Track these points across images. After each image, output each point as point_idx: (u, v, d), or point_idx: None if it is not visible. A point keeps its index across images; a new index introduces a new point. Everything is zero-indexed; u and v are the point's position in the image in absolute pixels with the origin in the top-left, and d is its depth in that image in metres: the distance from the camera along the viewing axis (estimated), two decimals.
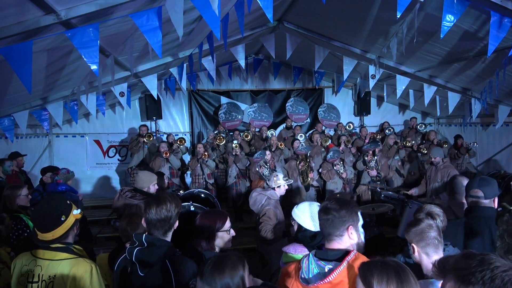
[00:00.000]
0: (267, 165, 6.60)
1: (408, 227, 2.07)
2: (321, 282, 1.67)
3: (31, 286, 1.99)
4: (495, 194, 2.55)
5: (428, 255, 1.96)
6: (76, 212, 2.14)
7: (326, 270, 1.69)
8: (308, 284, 1.71)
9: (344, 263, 1.67)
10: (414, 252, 2.00)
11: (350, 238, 1.76)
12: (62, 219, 2.05)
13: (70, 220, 2.09)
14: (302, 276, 1.76)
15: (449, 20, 3.35)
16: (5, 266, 2.72)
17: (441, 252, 1.97)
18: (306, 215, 2.40)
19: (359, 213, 1.84)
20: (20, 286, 2.02)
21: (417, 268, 1.99)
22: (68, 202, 2.16)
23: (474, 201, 2.57)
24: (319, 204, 2.34)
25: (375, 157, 7.06)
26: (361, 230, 1.85)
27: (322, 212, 1.81)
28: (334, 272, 1.66)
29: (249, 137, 8.23)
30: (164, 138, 8.78)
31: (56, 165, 6.66)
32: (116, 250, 2.73)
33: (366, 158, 7.10)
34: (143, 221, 2.10)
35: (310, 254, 1.80)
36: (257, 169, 6.60)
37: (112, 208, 3.98)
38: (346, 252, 1.73)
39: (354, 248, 1.77)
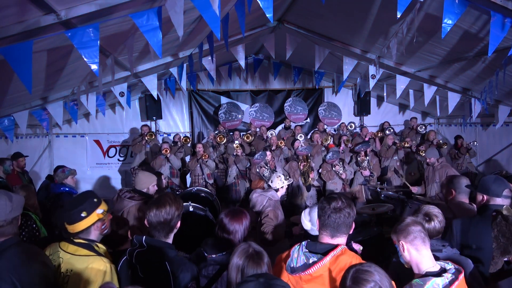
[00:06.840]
0: (267, 166, 6.59)
1: (393, 228, 2.07)
2: (303, 273, 1.74)
3: None
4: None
5: (418, 249, 1.93)
6: (99, 212, 2.16)
7: (310, 262, 1.76)
8: (292, 273, 1.78)
9: (328, 257, 1.73)
10: (403, 250, 1.97)
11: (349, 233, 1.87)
12: (83, 215, 2.10)
13: (92, 217, 2.13)
14: (291, 265, 1.82)
15: (449, 20, 3.35)
16: None
17: (429, 247, 1.96)
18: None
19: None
20: None
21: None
22: (95, 200, 2.19)
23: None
24: None
25: (367, 157, 7.07)
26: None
27: (334, 211, 1.84)
28: (316, 265, 1.72)
29: (250, 139, 8.23)
30: (165, 138, 8.78)
31: (56, 165, 6.59)
32: None
33: (358, 158, 7.11)
34: (145, 222, 2.11)
35: (302, 244, 1.86)
36: (257, 170, 6.59)
37: (111, 210, 3.95)
38: (334, 247, 1.78)
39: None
